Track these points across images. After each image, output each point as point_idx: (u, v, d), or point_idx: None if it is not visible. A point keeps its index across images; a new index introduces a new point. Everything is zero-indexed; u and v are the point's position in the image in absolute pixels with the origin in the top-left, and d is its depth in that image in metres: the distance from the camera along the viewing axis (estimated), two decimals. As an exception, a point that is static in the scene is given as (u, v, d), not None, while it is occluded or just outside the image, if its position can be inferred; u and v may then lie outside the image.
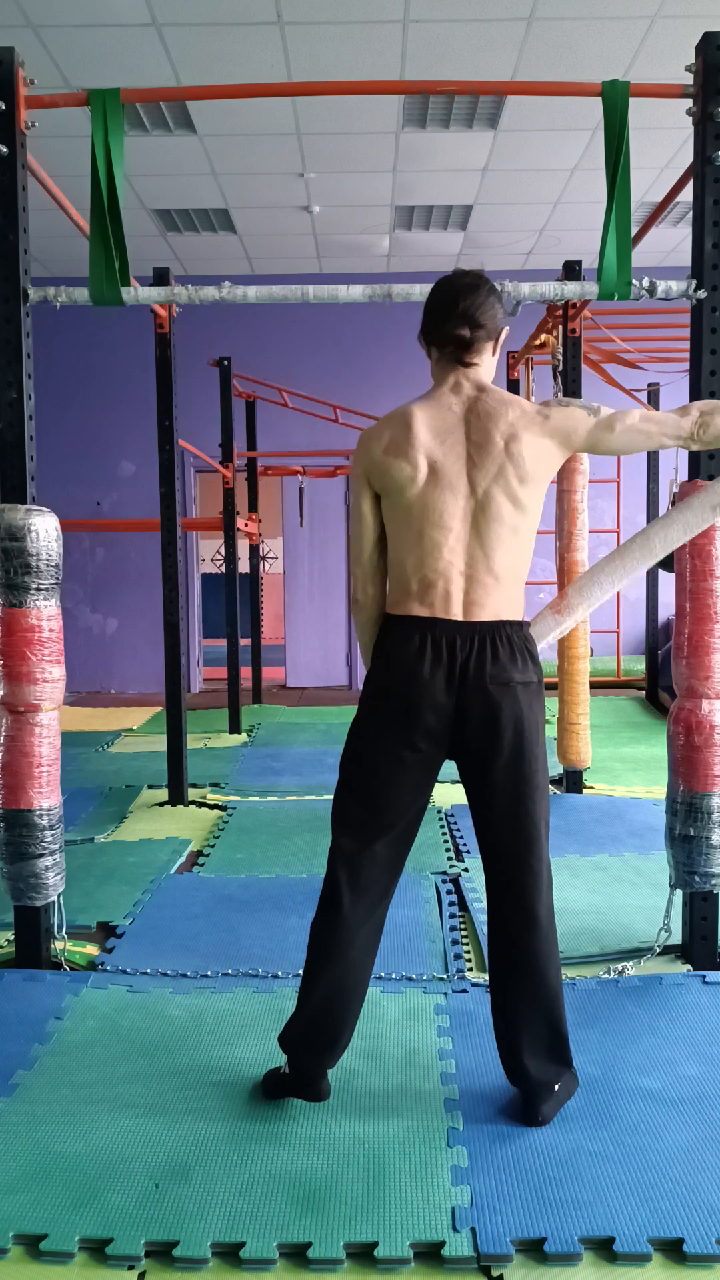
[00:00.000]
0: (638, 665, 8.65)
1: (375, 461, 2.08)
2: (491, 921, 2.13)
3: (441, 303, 2.13)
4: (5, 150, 2.67)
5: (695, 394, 2.74)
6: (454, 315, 2.10)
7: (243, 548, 8.65)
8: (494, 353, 2.16)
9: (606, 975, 2.76)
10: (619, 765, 5.60)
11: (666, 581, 7.25)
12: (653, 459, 7.60)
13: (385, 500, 2.11)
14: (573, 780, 4.89)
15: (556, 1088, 2.10)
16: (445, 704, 2.01)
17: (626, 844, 4.02)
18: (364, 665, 2.22)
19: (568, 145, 6.49)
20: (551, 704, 6.99)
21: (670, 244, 8.32)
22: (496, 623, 2.03)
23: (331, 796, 2.53)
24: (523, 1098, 2.10)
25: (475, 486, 2.03)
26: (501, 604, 2.04)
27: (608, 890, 3.48)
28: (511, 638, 2.03)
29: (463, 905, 3.37)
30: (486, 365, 2.14)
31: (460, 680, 2.00)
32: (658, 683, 7.75)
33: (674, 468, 2.99)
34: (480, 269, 2.20)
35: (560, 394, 4.78)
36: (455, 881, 3.60)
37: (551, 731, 6.41)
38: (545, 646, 2.36)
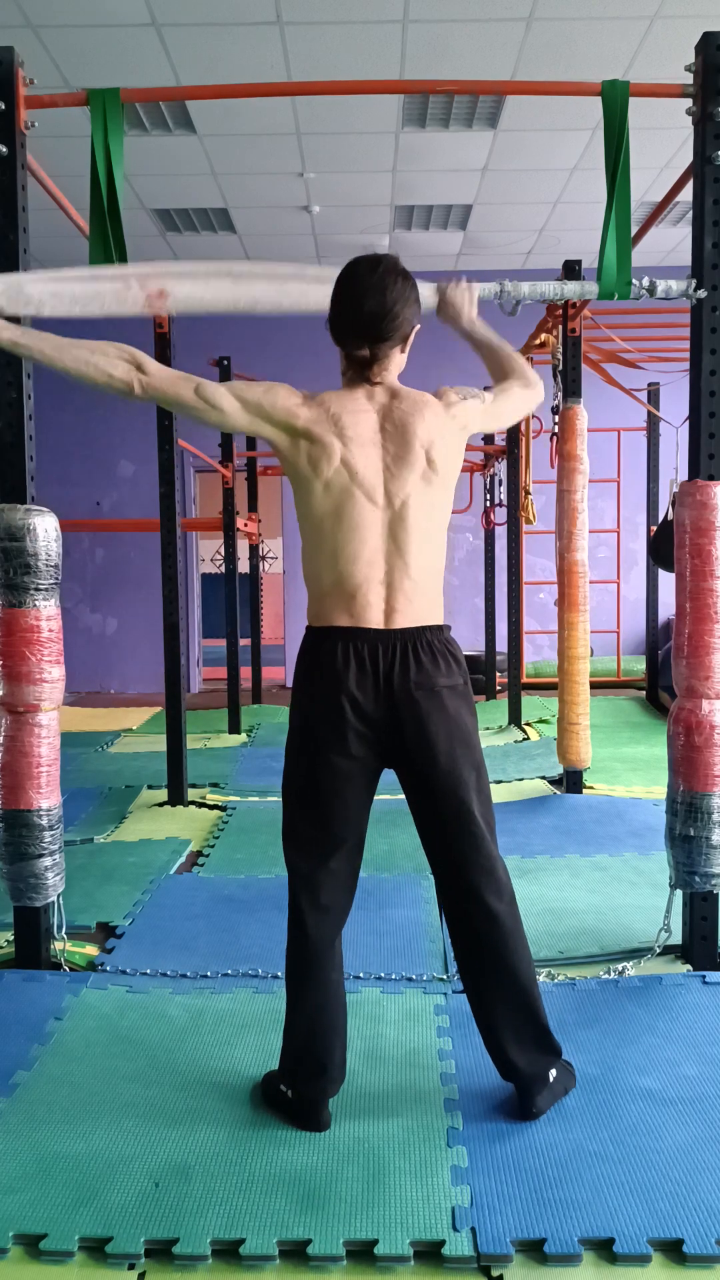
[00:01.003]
0: (638, 665, 8.66)
1: (302, 445, 2.01)
2: (452, 927, 2.11)
3: (345, 306, 2.06)
4: (5, 150, 2.67)
5: (695, 394, 2.74)
6: (359, 328, 2.03)
7: (242, 548, 8.64)
8: (404, 350, 2.11)
9: (606, 975, 2.76)
10: (619, 765, 5.59)
11: (666, 581, 7.24)
12: (653, 459, 7.60)
13: (297, 489, 2.05)
14: (573, 780, 4.88)
15: (551, 1078, 2.10)
16: (373, 712, 1.99)
17: (626, 844, 4.02)
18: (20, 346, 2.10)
19: (568, 145, 6.50)
20: (551, 704, 7.00)
21: (670, 244, 8.32)
22: (418, 629, 2.02)
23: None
24: (517, 1092, 2.10)
25: (393, 498, 2.01)
26: (422, 610, 2.03)
27: (608, 890, 3.48)
28: (433, 643, 2.03)
29: (462, 905, 3.37)
30: (395, 365, 2.10)
31: (386, 688, 1.99)
32: (658, 683, 7.76)
33: (674, 468, 2.99)
34: (392, 253, 2.10)
35: (560, 394, 4.77)
36: (455, 881, 3.59)
37: (551, 731, 6.42)
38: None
